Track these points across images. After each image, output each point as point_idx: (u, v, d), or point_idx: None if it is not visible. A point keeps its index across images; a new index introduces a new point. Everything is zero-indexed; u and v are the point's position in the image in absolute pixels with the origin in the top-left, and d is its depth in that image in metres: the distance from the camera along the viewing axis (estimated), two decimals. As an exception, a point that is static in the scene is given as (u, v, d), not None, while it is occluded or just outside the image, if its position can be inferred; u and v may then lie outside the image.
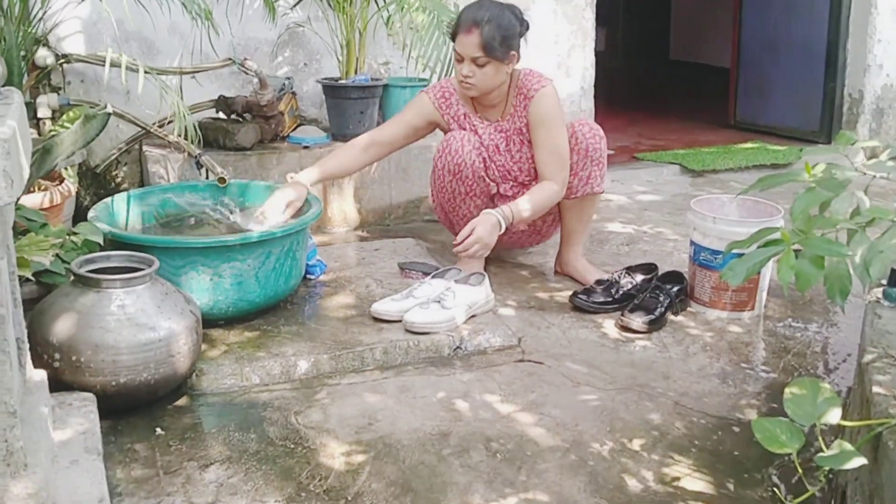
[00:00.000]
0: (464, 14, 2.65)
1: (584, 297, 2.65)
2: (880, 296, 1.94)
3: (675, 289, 2.63)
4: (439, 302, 2.41)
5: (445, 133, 2.83)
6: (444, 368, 2.27)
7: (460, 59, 2.66)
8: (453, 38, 2.68)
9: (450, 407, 2.06)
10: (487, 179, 2.78)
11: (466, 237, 2.57)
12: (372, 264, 2.92)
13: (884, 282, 1.95)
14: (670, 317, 2.59)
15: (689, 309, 2.67)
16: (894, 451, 1.33)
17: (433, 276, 2.56)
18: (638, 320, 2.49)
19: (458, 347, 2.36)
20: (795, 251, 1.40)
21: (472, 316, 2.48)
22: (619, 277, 2.71)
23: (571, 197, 2.78)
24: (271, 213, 2.53)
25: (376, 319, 2.43)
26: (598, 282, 2.73)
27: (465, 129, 2.79)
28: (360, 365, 2.26)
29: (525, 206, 2.65)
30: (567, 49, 4.30)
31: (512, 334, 2.44)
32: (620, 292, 2.66)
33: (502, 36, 2.60)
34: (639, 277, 2.74)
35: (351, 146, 2.84)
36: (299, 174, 2.70)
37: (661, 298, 2.56)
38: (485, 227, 2.57)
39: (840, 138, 1.71)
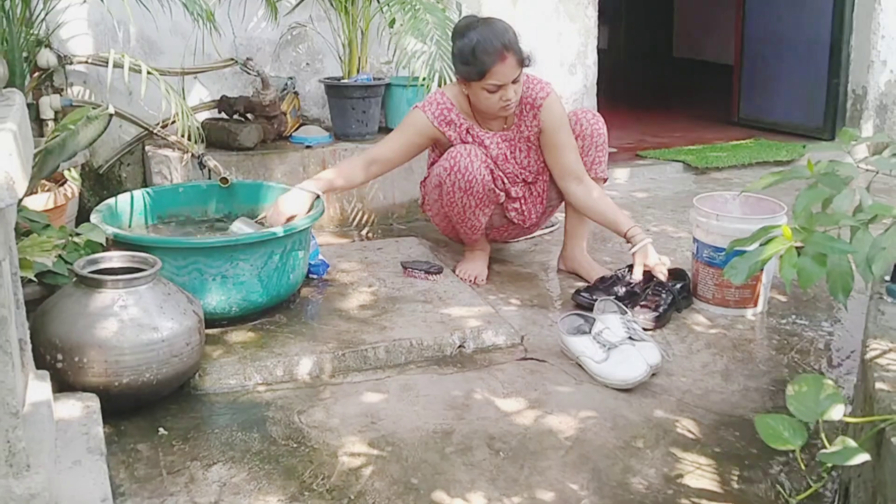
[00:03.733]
0: (482, 47, 2.51)
1: (586, 294, 2.64)
2: (883, 292, 1.93)
3: (679, 286, 2.63)
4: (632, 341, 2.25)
5: (445, 147, 2.77)
6: (446, 367, 2.27)
7: (496, 89, 2.57)
8: (482, 76, 2.54)
9: (452, 405, 2.06)
10: (497, 191, 2.76)
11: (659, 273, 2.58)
12: (375, 263, 2.92)
13: (887, 278, 1.94)
14: (674, 314, 2.59)
15: (692, 306, 2.66)
16: (897, 448, 1.32)
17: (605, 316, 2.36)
18: (641, 318, 2.48)
19: (460, 346, 2.35)
20: (797, 248, 1.40)
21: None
22: (623, 275, 2.71)
23: None
24: (273, 220, 2.51)
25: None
26: (602, 279, 2.72)
27: (468, 143, 2.72)
28: (363, 364, 2.26)
29: (620, 213, 2.72)
30: (570, 47, 4.30)
31: (514, 332, 2.44)
32: (623, 290, 2.66)
33: (520, 46, 2.59)
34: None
35: (355, 162, 2.78)
36: (303, 183, 2.62)
37: (665, 296, 2.56)
38: (653, 253, 2.59)
39: (842, 135, 1.71)
